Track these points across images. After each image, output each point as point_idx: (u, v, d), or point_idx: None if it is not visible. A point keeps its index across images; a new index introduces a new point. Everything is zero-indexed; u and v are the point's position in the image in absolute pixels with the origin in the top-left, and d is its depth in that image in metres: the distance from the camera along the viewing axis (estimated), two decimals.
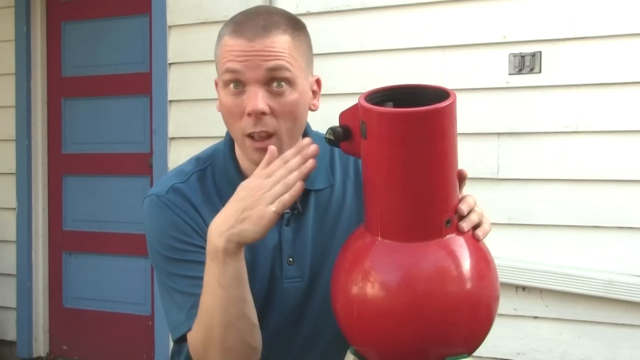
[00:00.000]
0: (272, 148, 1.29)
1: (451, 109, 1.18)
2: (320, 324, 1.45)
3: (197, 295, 1.32)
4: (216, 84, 1.42)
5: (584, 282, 2.80)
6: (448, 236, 1.22)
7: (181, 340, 1.39)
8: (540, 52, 2.87)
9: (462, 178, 1.25)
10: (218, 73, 1.39)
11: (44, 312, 4.25)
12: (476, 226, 1.26)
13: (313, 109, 1.44)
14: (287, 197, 1.24)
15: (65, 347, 4.26)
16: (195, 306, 1.34)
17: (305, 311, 1.46)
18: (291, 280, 1.44)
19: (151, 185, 3.80)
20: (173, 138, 3.66)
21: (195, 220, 1.40)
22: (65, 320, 4.25)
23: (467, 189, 1.28)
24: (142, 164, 3.94)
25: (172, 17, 3.63)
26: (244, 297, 1.31)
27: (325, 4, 3.26)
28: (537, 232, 2.92)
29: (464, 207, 1.23)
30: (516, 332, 2.93)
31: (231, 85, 1.35)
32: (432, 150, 1.18)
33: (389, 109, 1.20)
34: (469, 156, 2.91)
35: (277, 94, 1.34)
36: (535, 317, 2.92)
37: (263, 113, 1.33)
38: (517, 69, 2.91)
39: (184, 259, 1.38)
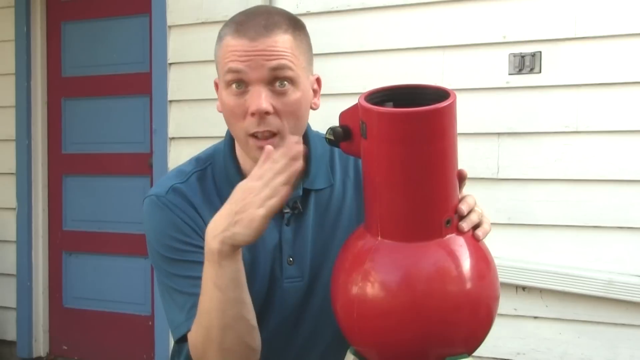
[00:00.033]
0: (268, 148, 1.28)
1: (451, 109, 1.19)
2: (320, 324, 1.45)
3: (197, 295, 1.32)
4: (216, 84, 1.42)
5: (584, 282, 2.80)
6: (448, 236, 1.22)
7: (182, 340, 1.39)
8: (540, 52, 2.87)
9: (462, 178, 1.25)
10: (219, 74, 1.39)
11: (44, 312, 4.25)
12: (476, 226, 1.26)
13: (314, 107, 1.43)
14: (274, 201, 1.24)
15: (65, 347, 4.26)
16: (195, 306, 1.34)
17: (305, 311, 1.46)
18: (291, 280, 1.44)
19: (151, 185, 3.80)
20: (173, 138, 3.66)
21: (195, 221, 1.40)
22: (65, 320, 4.25)
23: (467, 189, 1.28)
24: (142, 164, 3.94)
25: (172, 17, 3.63)
26: (242, 299, 1.30)
27: (325, 4, 3.26)
28: (537, 232, 2.92)
29: (464, 207, 1.23)
30: (516, 332, 2.93)
31: (233, 86, 1.35)
32: (432, 150, 1.18)
33: (389, 109, 1.20)
34: (469, 156, 2.91)
35: (280, 94, 1.34)
36: (535, 317, 2.92)
37: (267, 113, 1.33)
38: (517, 69, 2.91)
39: (183, 259, 1.38)
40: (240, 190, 1.27)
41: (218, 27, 1.41)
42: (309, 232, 1.45)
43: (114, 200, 4.10)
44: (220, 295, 1.28)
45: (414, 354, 1.21)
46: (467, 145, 2.92)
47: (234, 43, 1.34)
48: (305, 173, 1.45)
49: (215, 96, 1.42)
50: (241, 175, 1.42)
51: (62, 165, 4.24)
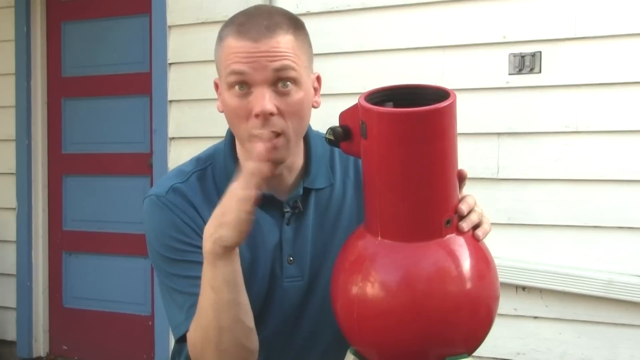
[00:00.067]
0: (258, 146, 1.28)
1: (451, 109, 1.19)
2: (320, 324, 1.45)
3: (197, 295, 1.32)
4: (216, 84, 1.42)
5: (584, 282, 2.80)
6: (448, 236, 1.22)
7: (182, 340, 1.39)
8: (540, 52, 2.87)
9: (462, 178, 1.25)
10: (221, 75, 1.38)
11: (44, 312, 4.25)
12: (476, 226, 1.26)
13: (315, 105, 1.43)
14: (246, 204, 1.22)
15: (65, 347, 4.26)
16: (194, 306, 1.33)
17: (305, 311, 1.46)
18: (291, 279, 1.44)
19: (151, 185, 3.80)
20: (173, 138, 3.66)
21: (195, 221, 1.40)
22: (65, 320, 4.25)
23: (467, 189, 1.28)
24: (142, 164, 3.94)
25: (172, 17, 3.63)
26: (238, 301, 1.30)
27: (325, 4, 3.26)
28: (537, 232, 2.91)
29: (464, 207, 1.23)
30: (516, 332, 2.93)
31: (237, 87, 1.34)
32: (432, 150, 1.18)
33: (389, 109, 1.20)
34: (469, 156, 2.91)
35: (284, 94, 1.34)
36: (535, 317, 2.92)
37: (271, 114, 1.32)
38: (517, 69, 2.90)
39: (183, 259, 1.38)
40: (228, 192, 1.27)
41: (218, 27, 1.41)
42: (309, 231, 1.45)
43: (114, 200, 4.10)
44: (215, 297, 1.28)
45: (414, 354, 1.21)
46: (467, 145, 2.92)
47: (236, 44, 1.33)
48: (305, 172, 1.45)
49: (216, 96, 1.42)
50: None
51: (62, 165, 4.24)
